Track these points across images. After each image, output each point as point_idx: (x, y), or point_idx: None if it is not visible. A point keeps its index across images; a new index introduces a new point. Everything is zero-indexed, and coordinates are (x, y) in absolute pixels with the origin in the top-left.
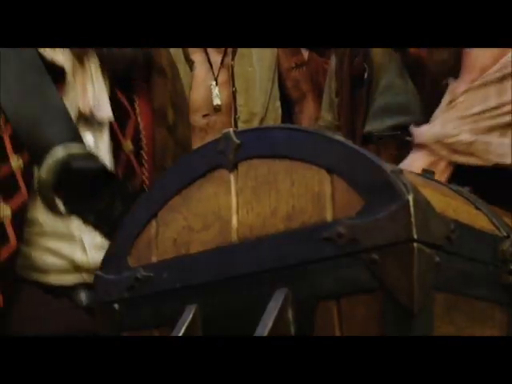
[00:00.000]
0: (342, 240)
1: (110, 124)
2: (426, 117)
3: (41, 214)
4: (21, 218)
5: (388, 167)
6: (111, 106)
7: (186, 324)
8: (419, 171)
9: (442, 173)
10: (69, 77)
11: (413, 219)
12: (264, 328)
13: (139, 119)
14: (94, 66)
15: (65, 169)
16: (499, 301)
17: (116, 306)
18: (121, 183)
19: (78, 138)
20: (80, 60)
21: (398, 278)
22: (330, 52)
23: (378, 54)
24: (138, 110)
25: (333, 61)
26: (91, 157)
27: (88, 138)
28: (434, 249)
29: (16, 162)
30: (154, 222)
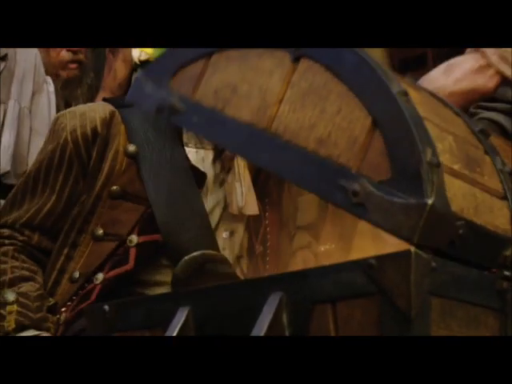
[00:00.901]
0: (354, 199)
1: (247, 224)
2: None
3: None
4: None
5: (428, 155)
6: None
7: (178, 326)
8: (468, 72)
9: (489, 79)
10: (210, 181)
11: (420, 224)
12: (259, 331)
13: (268, 226)
14: (242, 166)
15: (199, 269)
16: (492, 306)
17: (106, 307)
18: None
19: (214, 246)
20: (226, 163)
21: (396, 282)
22: None
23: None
24: (267, 217)
25: None
26: (224, 262)
27: (225, 233)
28: (432, 254)
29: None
30: (204, 60)
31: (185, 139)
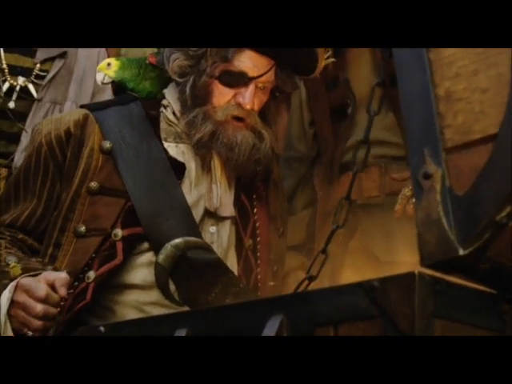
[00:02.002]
0: (426, 181)
1: (234, 219)
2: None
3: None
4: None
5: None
6: (236, 205)
7: None
8: None
9: None
10: (192, 175)
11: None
12: None
13: (257, 221)
14: (219, 170)
15: (182, 257)
16: (494, 328)
17: (102, 329)
18: (235, 278)
19: (196, 233)
20: (206, 162)
21: (399, 304)
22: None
23: (358, 85)
24: (256, 212)
25: (300, 91)
26: (207, 249)
27: (212, 228)
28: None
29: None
30: None
31: (163, 134)
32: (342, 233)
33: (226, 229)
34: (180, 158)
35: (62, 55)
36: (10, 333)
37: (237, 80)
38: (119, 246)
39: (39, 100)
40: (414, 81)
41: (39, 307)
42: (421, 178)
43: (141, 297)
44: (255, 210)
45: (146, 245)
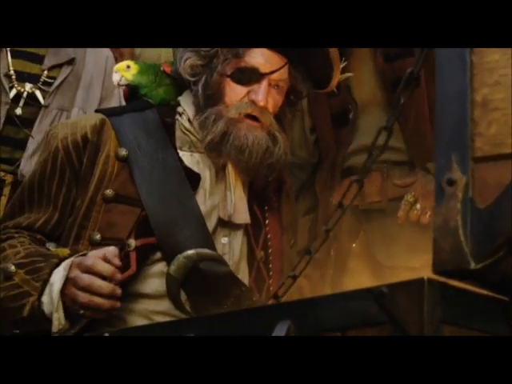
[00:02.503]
0: (449, 188)
1: (246, 230)
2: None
3: None
4: None
5: None
6: (249, 215)
7: None
8: None
9: None
10: (206, 184)
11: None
12: None
13: (269, 232)
14: (233, 176)
15: (194, 269)
16: (503, 334)
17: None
18: (248, 290)
19: (210, 244)
20: (220, 170)
21: (408, 310)
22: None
23: (359, 91)
24: (268, 223)
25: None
26: (220, 261)
27: (224, 239)
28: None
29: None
30: None
31: (179, 143)
32: (345, 238)
33: (238, 240)
34: (195, 168)
35: (70, 62)
36: (61, 311)
37: (249, 76)
38: (133, 256)
39: (46, 107)
40: (453, 81)
41: (102, 283)
42: (444, 183)
43: (150, 306)
44: (267, 222)
45: (158, 255)
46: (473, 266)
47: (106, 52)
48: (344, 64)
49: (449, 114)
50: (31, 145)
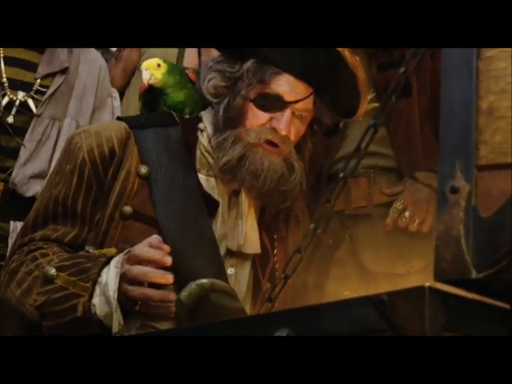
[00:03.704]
0: (452, 195)
1: (253, 260)
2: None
3: None
4: None
5: None
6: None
7: None
8: None
9: None
10: (222, 211)
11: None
12: None
13: (276, 262)
14: (246, 204)
15: (205, 298)
16: None
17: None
18: None
19: (223, 275)
20: (233, 197)
21: (409, 318)
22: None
23: None
24: (276, 253)
25: None
26: (232, 295)
27: (230, 269)
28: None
29: None
30: None
31: (198, 165)
32: (328, 244)
33: (245, 270)
34: (214, 195)
35: (63, 71)
36: (119, 311)
37: (272, 103)
38: None
39: (38, 116)
40: (459, 88)
41: (151, 270)
42: (447, 190)
43: (154, 323)
44: (275, 251)
45: None
46: (474, 275)
47: (100, 61)
48: (373, 95)
49: (454, 121)
50: (23, 154)
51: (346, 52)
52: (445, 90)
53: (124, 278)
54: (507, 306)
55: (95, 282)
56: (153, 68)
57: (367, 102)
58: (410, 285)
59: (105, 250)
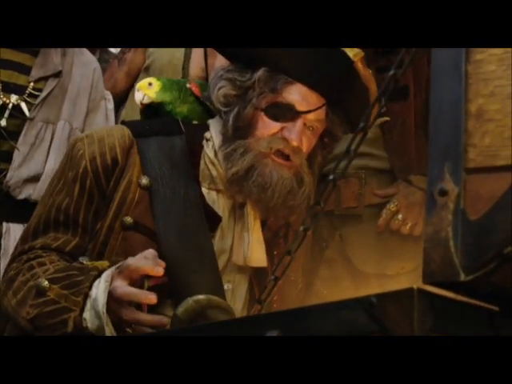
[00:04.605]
0: (441, 198)
1: (251, 276)
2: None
3: None
4: None
5: None
6: None
7: None
8: None
9: None
10: (223, 225)
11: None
12: None
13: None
14: (252, 216)
15: (201, 314)
16: None
17: None
18: None
19: (221, 292)
20: (236, 211)
21: (398, 320)
22: None
23: None
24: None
25: None
26: (229, 312)
27: (226, 285)
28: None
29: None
30: None
31: (200, 177)
32: (319, 242)
33: (242, 287)
34: (215, 208)
35: (57, 74)
36: (110, 325)
37: (284, 113)
38: None
39: (31, 119)
40: (448, 91)
41: (138, 291)
42: (436, 193)
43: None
44: (273, 267)
45: (165, 294)
46: (463, 277)
47: (94, 64)
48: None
49: (443, 124)
50: (17, 157)
51: (358, 64)
52: (434, 93)
53: (111, 296)
54: (495, 309)
55: (86, 296)
56: (144, 88)
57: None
58: (400, 286)
59: (97, 263)
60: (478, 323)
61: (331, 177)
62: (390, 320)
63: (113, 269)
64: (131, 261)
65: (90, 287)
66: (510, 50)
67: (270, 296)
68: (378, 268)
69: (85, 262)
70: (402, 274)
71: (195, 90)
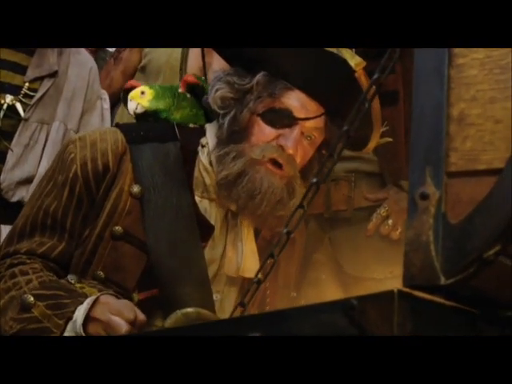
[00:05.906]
0: (422, 202)
1: (241, 286)
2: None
3: None
4: None
5: None
6: None
7: None
8: None
9: None
10: (214, 235)
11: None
12: None
13: (267, 289)
14: (245, 225)
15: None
16: None
17: None
18: None
19: (210, 305)
20: (232, 217)
21: (378, 323)
22: None
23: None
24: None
25: None
26: None
27: (215, 295)
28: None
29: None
30: None
31: (194, 185)
32: (308, 246)
33: (231, 297)
34: (207, 217)
35: (52, 75)
36: None
37: (281, 119)
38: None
39: (26, 120)
40: (430, 95)
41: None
42: (417, 196)
43: None
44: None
45: (156, 306)
46: (443, 281)
47: (90, 64)
48: (385, 128)
49: (424, 128)
50: (11, 158)
51: (361, 77)
52: (416, 97)
53: (89, 317)
54: (475, 312)
55: (68, 320)
56: (137, 97)
57: (379, 135)
58: None
59: (87, 290)
60: (459, 326)
61: (314, 180)
62: (369, 323)
63: (99, 295)
64: (111, 303)
65: (74, 311)
66: (491, 54)
67: (252, 298)
68: (366, 272)
69: (73, 282)
70: (390, 278)
71: (191, 79)
